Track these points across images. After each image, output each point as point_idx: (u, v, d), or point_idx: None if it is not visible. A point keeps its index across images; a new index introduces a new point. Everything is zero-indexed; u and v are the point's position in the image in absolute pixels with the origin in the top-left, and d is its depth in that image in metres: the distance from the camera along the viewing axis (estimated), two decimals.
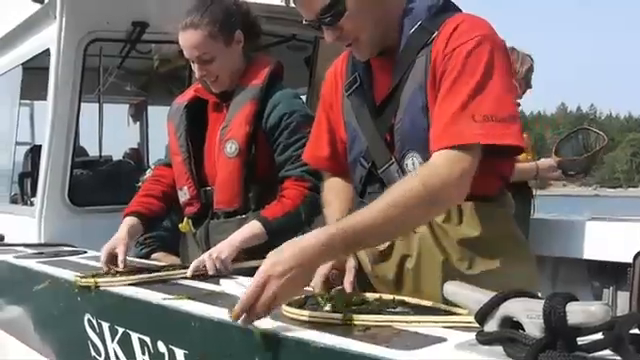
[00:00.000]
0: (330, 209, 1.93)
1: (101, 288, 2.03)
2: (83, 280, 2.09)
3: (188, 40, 2.39)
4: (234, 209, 2.44)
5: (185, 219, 2.59)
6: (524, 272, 1.75)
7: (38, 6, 3.51)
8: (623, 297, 3.45)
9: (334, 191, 1.98)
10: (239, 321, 1.38)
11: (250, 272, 2.12)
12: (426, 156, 1.64)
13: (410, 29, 1.71)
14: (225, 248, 2.22)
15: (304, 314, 1.43)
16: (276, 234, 2.29)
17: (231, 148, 2.41)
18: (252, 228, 2.30)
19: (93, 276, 2.11)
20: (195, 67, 2.44)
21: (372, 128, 1.77)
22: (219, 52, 2.41)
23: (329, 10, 1.65)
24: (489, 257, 1.68)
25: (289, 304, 1.49)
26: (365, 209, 1.47)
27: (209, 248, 2.32)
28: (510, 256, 1.71)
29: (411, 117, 1.68)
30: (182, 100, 2.65)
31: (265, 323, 1.42)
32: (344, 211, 1.84)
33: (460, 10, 1.76)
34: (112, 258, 2.32)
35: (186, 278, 2.12)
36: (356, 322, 1.37)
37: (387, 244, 1.75)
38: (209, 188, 2.51)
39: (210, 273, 2.14)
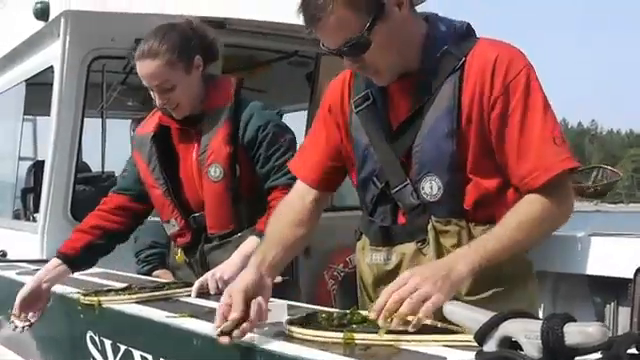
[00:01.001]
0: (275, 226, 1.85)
1: (104, 306, 2.04)
2: (86, 298, 2.10)
3: (146, 69, 2.32)
4: (229, 231, 2.43)
5: (179, 251, 2.57)
6: (526, 293, 1.76)
7: (42, 24, 3.54)
8: (624, 313, 3.44)
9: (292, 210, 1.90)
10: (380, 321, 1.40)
11: None
12: (446, 180, 1.67)
13: (435, 54, 1.69)
14: (228, 268, 2.20)
15: (306, 333, 1.43)
16: None
17: (215, 172, 2.39)
18: (251, 244, 2.27)
19: (96, 294, 2.11)
20: (155, 95, 2.39)
21: (387, 148, 1.75)
22: (179, 80, 2.35)
23: (353, 42, 1.62)
24: (494, 280, 1.67)
25: (291, 322, 1.50)
26: (495, 232, 1.58)
27: (206, 272, 2.29)
28: (513, 279, 1.71)
29: (435, 141, 1.67)
30: (146, 130, 2.57)
31: (267, 342, 1.43)
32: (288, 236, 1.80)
33: (476, 35, 1.76)
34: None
35: (189, 296, 2.13)
36: (357, 341, 1.38)
37: (394, 264, 1.76)
38: (197, 215, 2.48)
39: (212, 293, 2.13)
